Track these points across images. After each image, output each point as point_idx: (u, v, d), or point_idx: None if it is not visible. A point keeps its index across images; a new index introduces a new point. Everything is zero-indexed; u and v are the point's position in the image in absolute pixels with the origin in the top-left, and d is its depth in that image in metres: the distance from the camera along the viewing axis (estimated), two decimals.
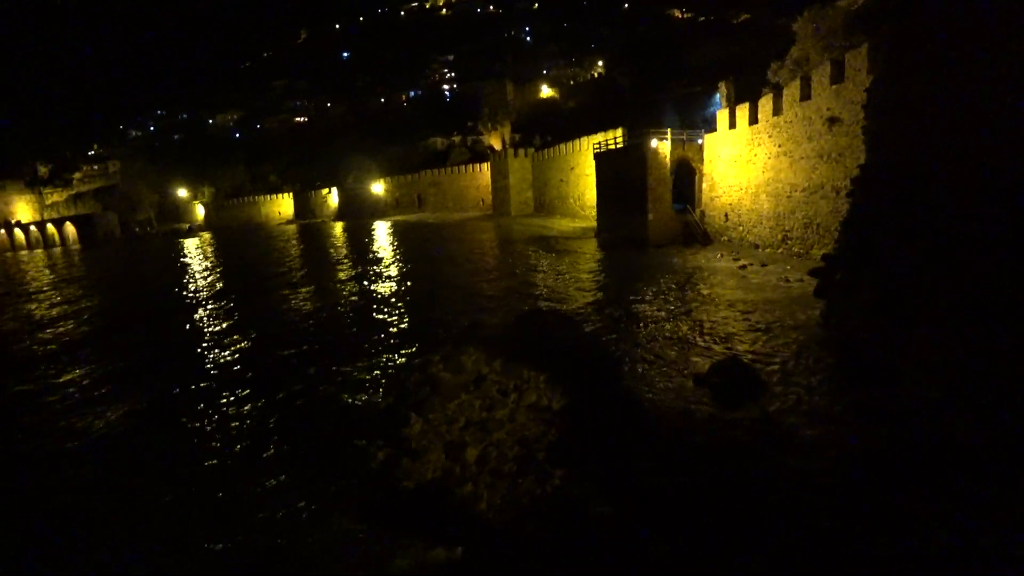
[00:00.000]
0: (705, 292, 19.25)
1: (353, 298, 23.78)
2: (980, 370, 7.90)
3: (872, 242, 10.92)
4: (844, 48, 21.03)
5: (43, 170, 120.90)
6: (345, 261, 36.99)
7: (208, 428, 11.32)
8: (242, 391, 13.20)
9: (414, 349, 15.09)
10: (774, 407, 9.57)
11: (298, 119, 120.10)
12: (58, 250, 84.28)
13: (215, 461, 9.80)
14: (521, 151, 60.50)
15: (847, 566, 5.80)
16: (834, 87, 19.95)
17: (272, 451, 9.95)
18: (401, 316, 19.63)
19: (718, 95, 37.74)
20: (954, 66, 9.00)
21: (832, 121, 20.17)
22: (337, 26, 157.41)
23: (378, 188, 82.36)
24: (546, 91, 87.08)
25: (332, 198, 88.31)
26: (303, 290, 26.95)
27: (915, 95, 9.90)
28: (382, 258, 36.84)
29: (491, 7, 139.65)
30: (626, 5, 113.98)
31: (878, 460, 7.53)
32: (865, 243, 11.21)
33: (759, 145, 25.53)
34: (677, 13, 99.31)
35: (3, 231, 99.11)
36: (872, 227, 10.99)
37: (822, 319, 13.33)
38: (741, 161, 27.16)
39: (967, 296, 8.23)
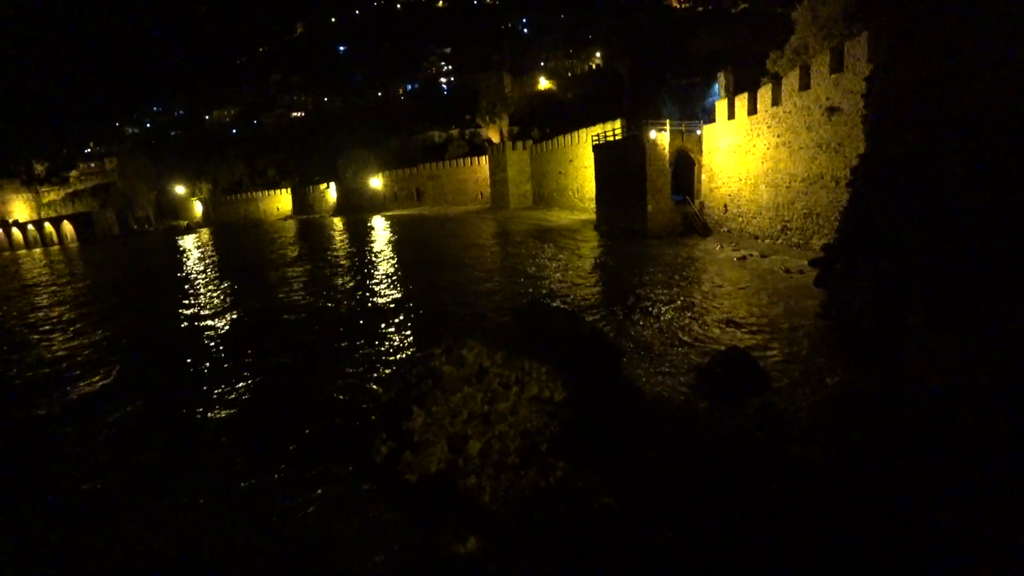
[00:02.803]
0: (705, 283, 19.26)
1: (356, 295, 23.78)
2: (980, 359, 7.91)
3: (872, 231, 10.90)
4: (844, 37, 20.88)
5: (39, 168, 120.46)
6: (346, 259, 36.95)
7: (214, 427, 11.35)
8: (248, 390, 13.24)
9: (416, 343, 15.11)
10: (776, 397, 9.61)
11: (295, 114, 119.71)
12: (56, 249, 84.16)
13: (224, 458, 9.84)
14: (519, 144, 60.31)
15: (850, 554, 5.83)
16: (833, 76, 19.86)
17: (280, 448, 9.97)
18: (402, 311, 19.63)
19: (717, 86, 37.53)
20: (956, 54, 8.95)
21: (832, 111, 20.09)
22: (333, 19, 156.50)
23: (376, 182, 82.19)
24: (544, 83, 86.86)
25: (330, 193, 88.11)
26: (304, 289, 26.95)
27: (916, 84, 9.85)
28: (382, 254, 36.81)
29: None
30: None
31: (880, 449, 7.56)
32: (865, 233, 11.18)
33: (758, 135, 25.45)
34: (676, 3, 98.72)
35: (1, 231, 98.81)
36: (872, 216, 10.97)
37: (822, 309, 13.34)
38: (740, 152, 27.08)
39: (968, 285, 8.23)
